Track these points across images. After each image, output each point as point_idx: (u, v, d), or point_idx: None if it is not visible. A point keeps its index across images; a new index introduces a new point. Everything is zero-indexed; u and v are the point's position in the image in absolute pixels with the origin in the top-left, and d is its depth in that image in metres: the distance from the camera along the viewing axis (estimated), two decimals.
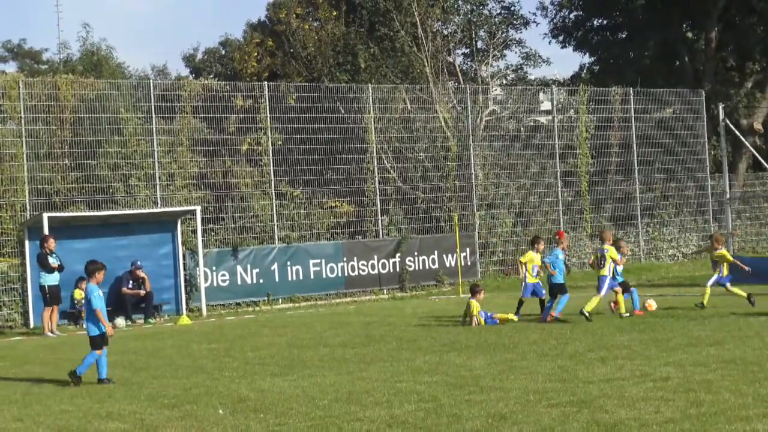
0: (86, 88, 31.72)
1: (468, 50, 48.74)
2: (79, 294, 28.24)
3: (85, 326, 16.18)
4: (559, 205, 37.74)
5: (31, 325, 27.61)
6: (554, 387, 13.19)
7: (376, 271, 33.51)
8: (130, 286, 28.80)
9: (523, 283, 23.02)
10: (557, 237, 24.19)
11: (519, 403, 12.15)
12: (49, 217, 27.48)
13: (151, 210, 30.25)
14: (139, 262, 28.89)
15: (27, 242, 28.12)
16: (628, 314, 21.83)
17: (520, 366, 15.26)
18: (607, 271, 22.13)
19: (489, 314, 22.21)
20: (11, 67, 60.87)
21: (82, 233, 28.95)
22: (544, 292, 23.15)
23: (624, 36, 52.38)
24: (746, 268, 23.47)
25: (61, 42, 61.94)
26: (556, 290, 22.33)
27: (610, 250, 22.45)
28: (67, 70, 46.79)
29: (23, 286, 28.16)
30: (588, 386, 13.08)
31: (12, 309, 28.26)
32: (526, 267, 22.96)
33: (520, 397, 12.60)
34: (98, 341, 16.02)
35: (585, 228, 37.96)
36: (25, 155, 29.55)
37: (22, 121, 29.69)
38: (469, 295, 22.70)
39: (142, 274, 28.84)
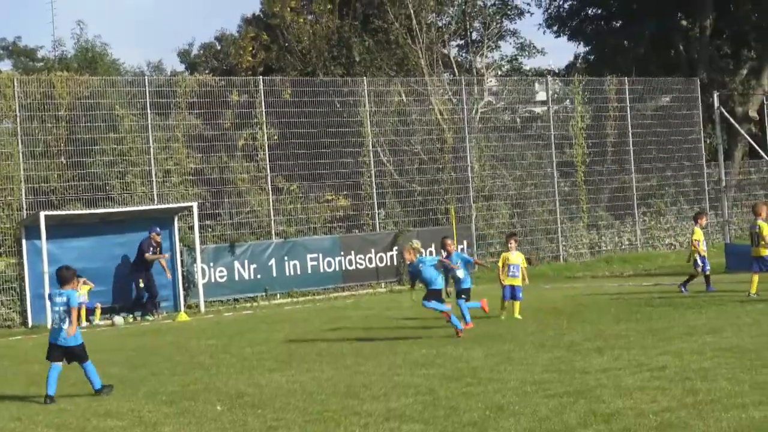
0: (81, 85, 31.70)
1: (463, 42, 48.74)
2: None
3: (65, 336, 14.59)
4: (555, 196, 37.73)
5: (30, 325, 27.62)
6: (551, 378, 13.21)
7: (373, 265, 33.52)
8: (152, 251, 28.90)
9: None
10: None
11: (516, 395, 12.17)
12: (46, 216, 27.49)
13: (148, 207, 30.24)
14: (157, 228, 28.97)
15: (24, 241, 28.14)
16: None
17: (517, 357, 15.29)
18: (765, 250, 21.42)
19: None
20: (6, 66, 60.73)
21: (79, 232, 28.96)
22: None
23: (618, 25, 52.37)
24: None
25: (56, 39, 61.81)
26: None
27: (762, 227, 21.57)
28: (62, 67, 46.74)
29: (21, 285, 28.17)
30: (585, 376, 13.10)
31: (10, 308, 28.27)
32: None
33: (518, 388, 12.61)
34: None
35: (582, 218, 37.96)
36: (20, 154, 29.53)
37: (18, 120, 29.68)
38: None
39: (159, 239, 28.99)
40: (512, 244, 21.85)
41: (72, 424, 12.43)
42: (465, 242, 35.16)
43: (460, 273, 20.73)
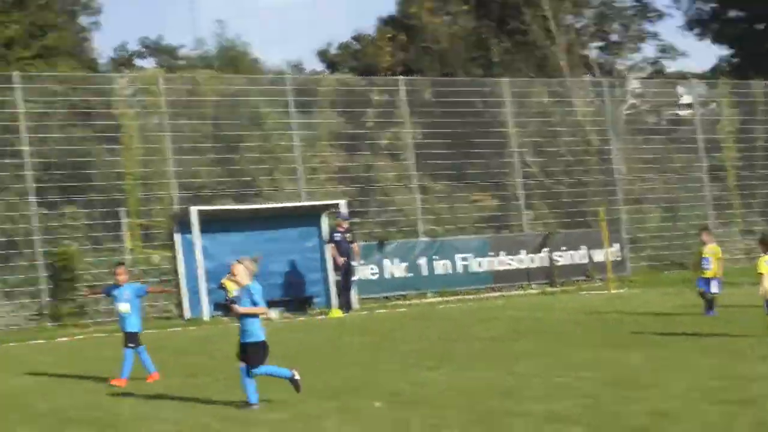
0: (225, 83, 32.21)
1: (603, 43, 48.22)
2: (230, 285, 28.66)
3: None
4: (708, 200, 36.94)
5: (187, 316, 28.10)
6: (716, 385, 12.85)
7: (524, 266, 33.26)
8: (336, 238, 28.79)
9: None
10: None
11: (680, 401, 11.88)
12: (198, 211, 28.01)
13: (297, 203, 30.53)
14: (343, 213, 29.07)
15: (176, 235, 28.70)
16: None
17: (678, 362, 14.96)
18: None
19: None
20: (149, 63, 62.07)
21: (230, 227, 29.36)
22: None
23: (762, 27, 51.16)
24: None
25: (198, 38, 62.87)
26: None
27: None
28: (204, 65, 47.59)
29: (176, 277, 28.69)
30: (751, 384, 12.73)
31: (167, 300, 28.82)
32: None
33: (682, 394, 12.31)
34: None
35: (736, 223, 37.12)
36: (170, 150, 30.11)
37: (165, 117, 30.28)
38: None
39: (346, 225, 28.97)
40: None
41: (237, 415, 12.59)
42: (617, 245, 34.59)
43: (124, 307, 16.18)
